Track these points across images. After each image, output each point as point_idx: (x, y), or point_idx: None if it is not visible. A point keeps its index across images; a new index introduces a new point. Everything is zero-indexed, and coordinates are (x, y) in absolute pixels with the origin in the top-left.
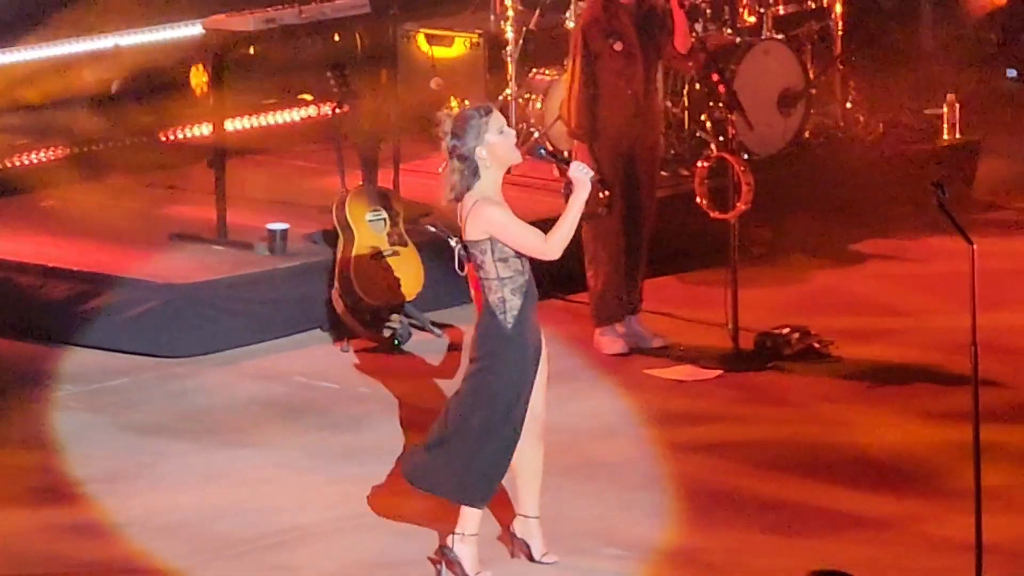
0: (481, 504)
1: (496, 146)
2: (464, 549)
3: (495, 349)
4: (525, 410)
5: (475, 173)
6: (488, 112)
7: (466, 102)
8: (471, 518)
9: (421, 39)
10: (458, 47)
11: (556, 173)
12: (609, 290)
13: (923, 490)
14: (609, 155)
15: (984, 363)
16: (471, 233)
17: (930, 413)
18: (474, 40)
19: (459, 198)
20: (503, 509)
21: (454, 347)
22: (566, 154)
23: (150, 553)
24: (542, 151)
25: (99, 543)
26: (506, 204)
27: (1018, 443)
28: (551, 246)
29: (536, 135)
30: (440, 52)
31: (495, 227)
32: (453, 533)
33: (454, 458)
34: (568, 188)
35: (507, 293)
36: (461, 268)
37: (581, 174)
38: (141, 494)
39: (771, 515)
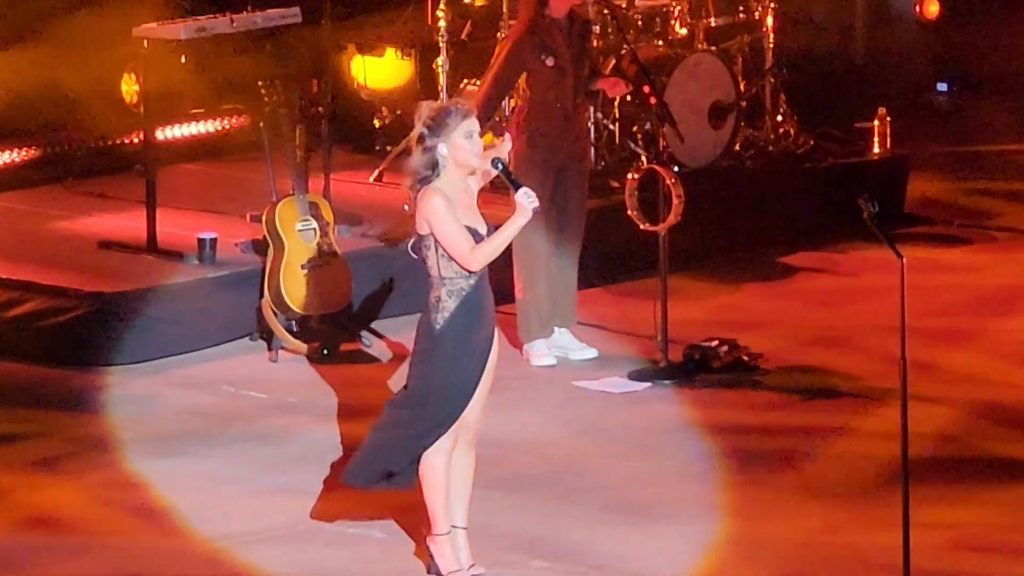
0: (356, 484)
1: (459, 149)
2: (435, 549)
3: (424, 347)
4: (457, 409)
5: (433, 167)
6: (464, 115)
7: (396, 111)
8: (435, 518)
9: (353, 49)
10: (390, 57)
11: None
12: (539, 303)
13: (851, 504)
14: (540, 168)
15: (912, 376)
16: (419, 225)
17: (859, 426)
18: (406, 51)
19: (416, 188)
20: (419, 524)
21: (383, 356)
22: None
23: (76, 564)
24: (499, 164)
25: (21, 553)
26: (463, 206)
27: (946, 456)
28: (475, 256)
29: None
30: (372, 62)
31: (432, 216)
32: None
33: (376, 448)
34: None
35: (443, 293)
36: (415, 251)
37: (526, 201)
38: (67, 503)
39: (699, 527)
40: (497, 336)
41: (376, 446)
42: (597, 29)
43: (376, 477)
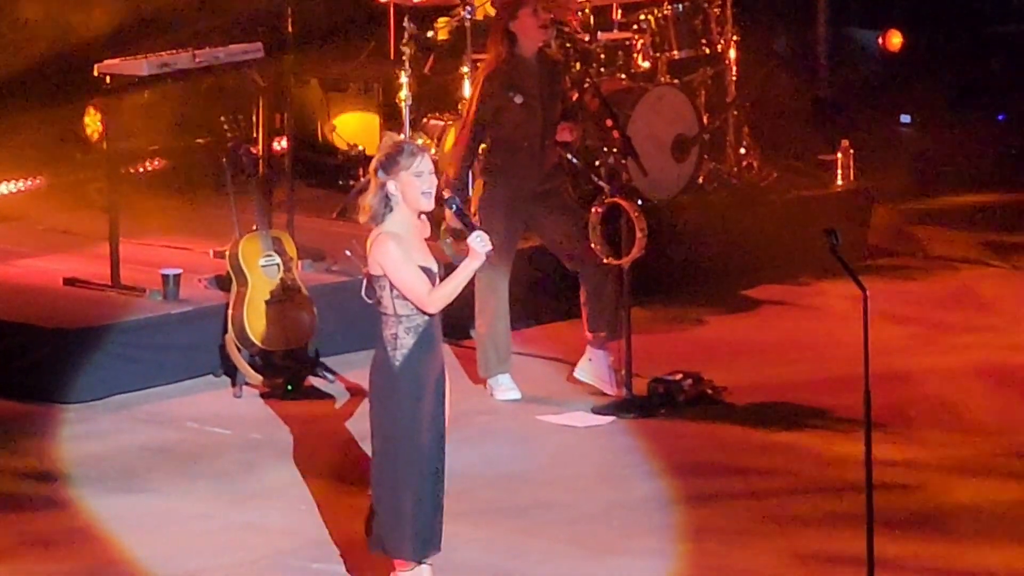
0: (424, 557)
1: (406, 186)
2: None
3: (383, 385)
4: (433, 448)
5: (387, 204)
6: (416, 153)
7: (359, 146)
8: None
9: (315, 84)
10: (353, 92)
11: (450, 225)
12: (498, 339)
13: (816, 535)
14: (504, 207)
15: (875, 408)
16: (372, 266)
17: (823, 458)
18: (369, 85)
19: (372, 223)
20: (384, 559)
21: (347, 392)
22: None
23: None
24: (454, 205)
25: None
26: (416, 245)
27: (909, 487)
28: (433, 300)
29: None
30: (335, 97)
31: (387, 262)
32: None
33: (387, 512)
34: (449, 232)
35: (400, 331)
36: (369, 296)
37: (479, 245)
38: (32, 541)
39: (664, 560)
40: (447, 365)
41: (404, 512)
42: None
43: (435, 542)
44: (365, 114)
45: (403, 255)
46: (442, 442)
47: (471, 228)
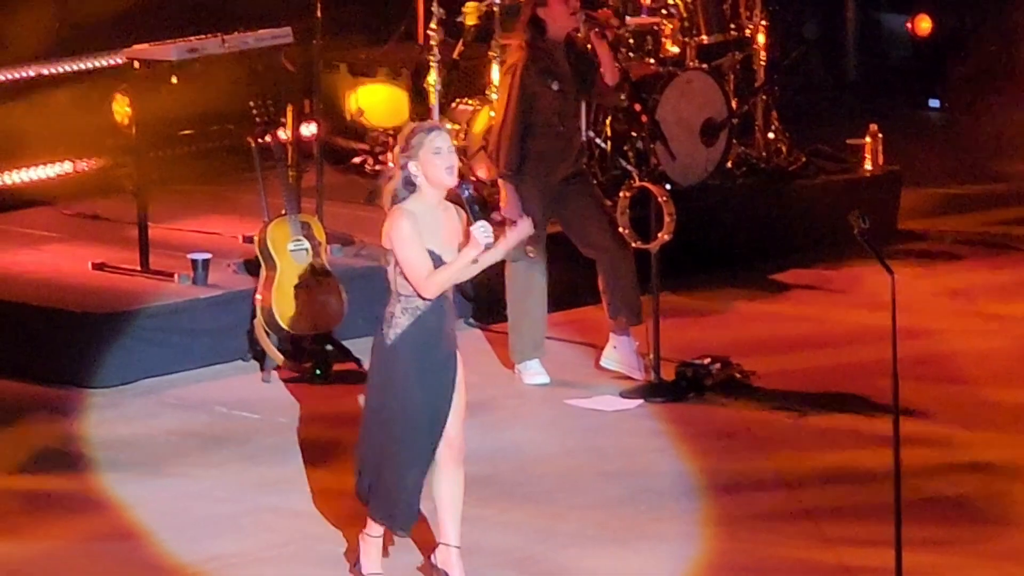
0: (406, 528)
1: (426, 164)
2: (363, 547)
3: (375, 362)
4: (431, 431)
5: (409, 186)
6: (431, 130)
7: (390, 131)
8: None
9: (344, 69)
10: (381, 77)
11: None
12: (534, 327)
13: (844, 521)
14: (537, 190)
15: (904, 392)
16: (384, 240)
17: (851, 443)
18: (397, 70)
19: (394, 204)
20: (425, 538)
21: None
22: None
23: None
24: (467, 192)
25: (11, 568)
26: (432, 229)
27: (939, 471)
28: (429, 284)
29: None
30: (364, 82)
31: (395, 236)
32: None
33: (378, 479)
34: (499, 217)
35: (397, 310)
36: None
37: (480, 235)
38: (60, 524)
39: (691, 545)
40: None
41: (389, 486)
42: (589, 47)
43: (413, 515)
44: (394, 100)
45: (412, 233)
46: (437, 428)
47: (475, 216)
